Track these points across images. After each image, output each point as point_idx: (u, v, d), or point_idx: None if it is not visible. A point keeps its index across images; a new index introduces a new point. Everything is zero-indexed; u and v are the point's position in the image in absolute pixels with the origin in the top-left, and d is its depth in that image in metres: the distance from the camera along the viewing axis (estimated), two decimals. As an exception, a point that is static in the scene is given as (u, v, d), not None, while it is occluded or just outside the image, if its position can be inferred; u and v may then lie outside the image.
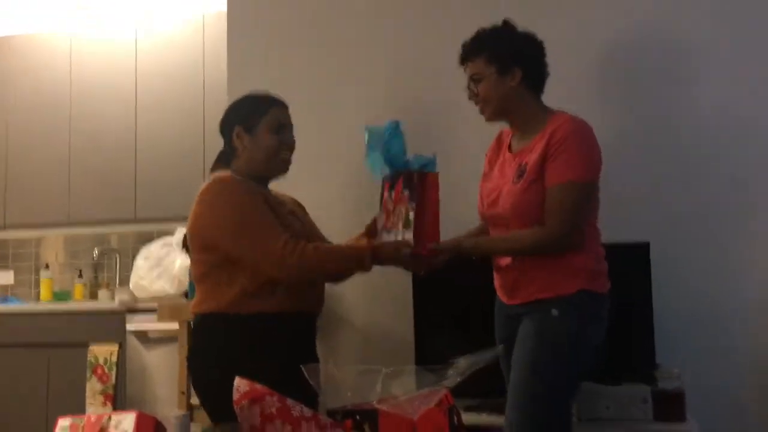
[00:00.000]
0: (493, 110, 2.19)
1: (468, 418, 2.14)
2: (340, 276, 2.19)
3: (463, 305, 2.71)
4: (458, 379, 1.44)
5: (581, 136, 2.09)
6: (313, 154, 2.71)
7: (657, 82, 2.81)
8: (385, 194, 2.16)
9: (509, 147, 2.26)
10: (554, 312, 2.06)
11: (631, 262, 2.62)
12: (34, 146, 4.45)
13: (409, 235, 2.01)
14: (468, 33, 2.24)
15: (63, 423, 1.61)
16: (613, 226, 2.73)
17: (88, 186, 4.36)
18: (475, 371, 1.48)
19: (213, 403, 2.02)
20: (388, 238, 2.11)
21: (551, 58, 2.24)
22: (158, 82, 4.31)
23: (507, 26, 2.22)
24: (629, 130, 2.79)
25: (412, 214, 2.01)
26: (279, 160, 2.16)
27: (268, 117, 2.14)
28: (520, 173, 2.12)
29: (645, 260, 2.60)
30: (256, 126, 2.14)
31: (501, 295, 2.27)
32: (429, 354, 2.59)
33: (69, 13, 4.69)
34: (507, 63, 2.15)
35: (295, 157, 2.22)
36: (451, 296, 2.68)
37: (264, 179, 2.20)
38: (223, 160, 2.22)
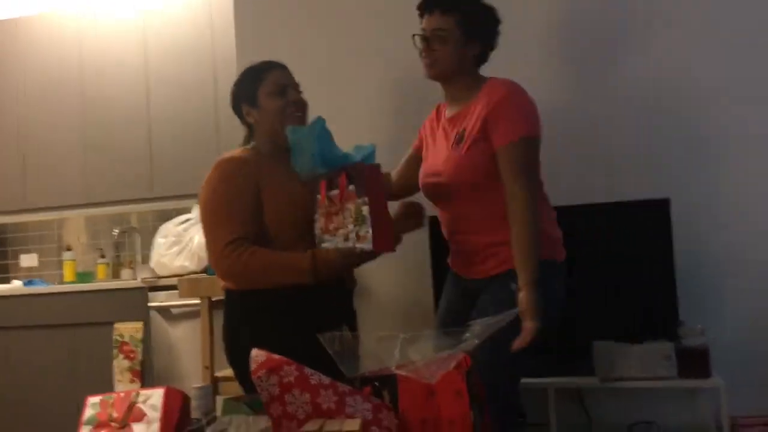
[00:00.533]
0: (441, 71, 2.14)
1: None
2: (277, 285, 2.02)
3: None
4: (476, 342, 1.44)
5: (519, 95, 2.07)
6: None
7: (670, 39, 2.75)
8: (322, 196, 1.98)
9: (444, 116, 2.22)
10: (512, 286, 1.99)
11: (652, 219, 2.60)
12: (49, 128, 4.45)
13: (364, 233, 1.86)
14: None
15: (93, 401, 1.64)
16: (633, 182, 2.72)
17: (104, 166, 4.36)
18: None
19: (244, 376, 2.02)
20: (330, 243, 1.97)
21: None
22: (168, 58, 4.28)
23: None
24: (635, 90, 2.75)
25: (366, 209, 1.86)
26: (290, 121, 2.10)
27: (266, 83, 2.12)
28: (459, 139, 2.08)
29: (665, 217, 2.57)
30: (257, 97, 2.13)
31: (458, 269, 2.22)
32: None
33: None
34: (473, 32, 2.12)
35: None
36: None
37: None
38: (247, 140, 2.22)
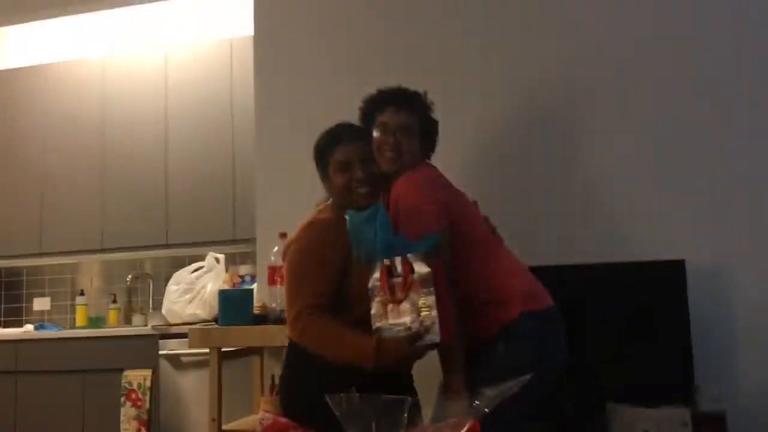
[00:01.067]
0: (404, 167, 2.17)
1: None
2: (337, 360, 1.97)
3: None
4: (485, 410, 1.40)
5: (404, 200, 2.09)
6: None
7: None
8: (383, 284, 1.92)
9: None
10: (499, 348, 2.02)
11: (667, 280, 2.57)
12: (67, 174, 4.52)
13: (429, 323, 1.84)
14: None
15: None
16: (648, 244, 2.70)
17: (121, 212, 4.41)
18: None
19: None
20: (389, 333, 1.89)
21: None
22: (188, 107, 4.35)
23: (430, 104, 2.28)
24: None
25: (432, 300, 1.85)
26: (354, 196, 2.13)
27: (333, 159, 2.15)
28: None
29: (681, 278, 2.54)
30: (327, 170, 2.18)
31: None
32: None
33: (100, 39, 4.78)
34: (427, 135, 2.24)
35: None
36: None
37: None
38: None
